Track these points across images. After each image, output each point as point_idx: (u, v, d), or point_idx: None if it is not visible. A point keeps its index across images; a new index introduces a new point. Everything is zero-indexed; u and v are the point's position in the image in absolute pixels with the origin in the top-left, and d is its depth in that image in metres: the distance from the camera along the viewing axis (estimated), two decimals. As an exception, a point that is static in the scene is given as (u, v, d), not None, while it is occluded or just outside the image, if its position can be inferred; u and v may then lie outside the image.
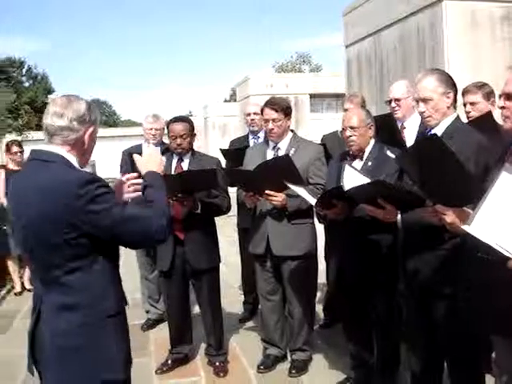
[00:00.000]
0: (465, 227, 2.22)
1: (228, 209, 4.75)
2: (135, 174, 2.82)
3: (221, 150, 6.00)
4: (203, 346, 5.13)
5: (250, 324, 6.02)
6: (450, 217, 2.60)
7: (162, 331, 5.61)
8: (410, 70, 5.67)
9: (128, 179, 2.82)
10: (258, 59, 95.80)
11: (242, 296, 6.42)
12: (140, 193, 2.70)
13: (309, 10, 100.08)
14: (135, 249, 2.48)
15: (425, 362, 3.57)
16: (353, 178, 3.49)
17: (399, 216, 3.32)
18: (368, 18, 6.81)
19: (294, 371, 4.66)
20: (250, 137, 6.08)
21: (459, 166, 2.53)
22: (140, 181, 2.76)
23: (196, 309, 5.27)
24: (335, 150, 4.77)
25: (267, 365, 4.78)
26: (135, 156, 2.84)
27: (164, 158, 2.90)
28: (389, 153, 4.00)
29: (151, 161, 2.77)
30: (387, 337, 4.15)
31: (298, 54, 44.92)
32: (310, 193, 3.89)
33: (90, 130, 2.52)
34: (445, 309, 3.29)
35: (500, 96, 2.76)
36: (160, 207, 2.51)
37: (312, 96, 15.79)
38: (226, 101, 44.66)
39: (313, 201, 3.77)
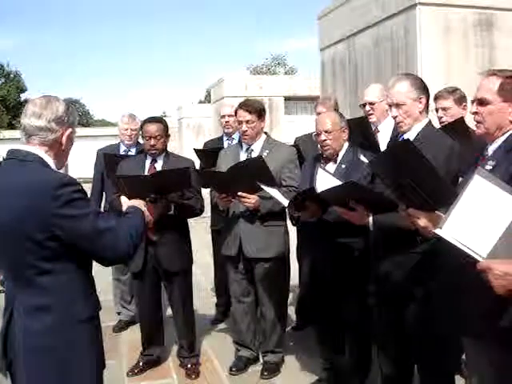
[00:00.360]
0: (437, 230, 2.24)
1: (201, 210, 4.73)
2: None
3: (195, 150, 5.99)
4: (175, 348, 5.11)
5: (222, 326, 6.01)
6: (422, 220, 2.62)
7: (134, 333, 5.58)
8: (384, 74, 5.71)
9: None
10: (233, 61, 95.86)
11: (215, 298, 6.40)
12: None
13: (284, 12, 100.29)
14: (99, 262, 2.47)
15: (396, 363, 3.60)
16: (326, 180, 3.50)
17: (371, 219, 3.34)
18: (343, 22, 6.85)
19: (265, 373, 4.66)
20: (225, 138, 6.08)
21: (431, 170, 2.55)
22: None
23: (168, 311, 5.25)
24: (308, 153, 4.79)
25: (239, 367, 4.78)
26: (122, 199, 2.92)
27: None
28: (362, 157, 4.02)
29: (135, 203, 2.86)
30: (359, 339, 4.18)
31: (273, 57, 45.02)
32: (283, 194, 3.90)
33: (68, 131, 2.51)
34: (415, 311, 3.32)
35: (472, 101, 2.80)
36: (131, 226, 2.54)
37: (287, 98, 15.83)
38: (200, 102, 44.59)
39: (286, 202, 3.78)
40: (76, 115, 2.59)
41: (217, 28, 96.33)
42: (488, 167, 2.62)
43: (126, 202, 2.93)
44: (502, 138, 2.66)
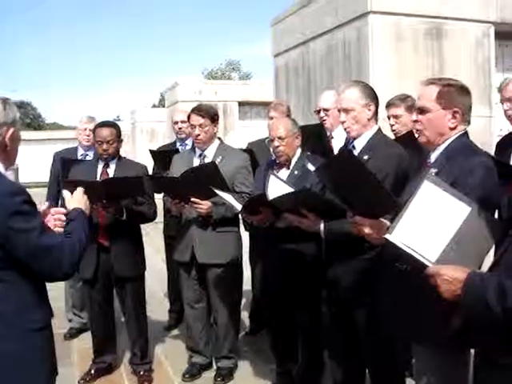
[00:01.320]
0: (386, 235, 2.27)
1: (154, 216, 4.71)
2: (63, 210, 2.76)
3: (150, 151, 5.99)
4: (127, 354, 5.05)
5: (175, 332, 5.98)
6: (367, 228, 2.66)
7: (85, 340, 5.49)
8: (337, 81, 5.77)
9: (56, 212, 2.74)
10: (188, 65, 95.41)
11: (168, 304, 6.35)
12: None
13: (240, 16, 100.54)
14: (40, 277, 2.42)
15: (347, 367, 3.65)
16: (277, 187, 3.51)
17: (322, 225, 3.37)
18: (296, 29, 6.90)
19: (219, 379, 4.64)
20: (178, 144, 6.06)
21: (373, 178, 2.59)
22: (64, 217, 2.69)
23: (120, 317, 5.19)
24: (261, 158, 4.82)
25: (192, 373, 4.75)
26: (65, 193, 2.82)
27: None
28: (309, 165, 4.06)
29: (78, 199, 2.76)
30: (311, 343, 4.21)
31: (228, 61, 45.05)
32: (236, 199, 3.90)
33: (10, 131, 2.41)
34: (364, 316, 3.37)
35: (414, 110, 2.86)
36: (74, 243, 2.46)
37: (241, 104, 15.86)
38: (154, 106, 44.23)
39: (239, 207, 3.79)
40: (15, 111, 2.47)
41: (172, 31, 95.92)
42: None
43: (69, 200, 2.81)
44: (444, 146, 2.71)
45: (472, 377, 2.25)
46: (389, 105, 4.46)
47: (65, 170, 5.31)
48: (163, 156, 5.56)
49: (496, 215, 2.74)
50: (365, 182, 2.58)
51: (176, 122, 6.06)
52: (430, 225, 2.24)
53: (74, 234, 2.52)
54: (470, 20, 5.90)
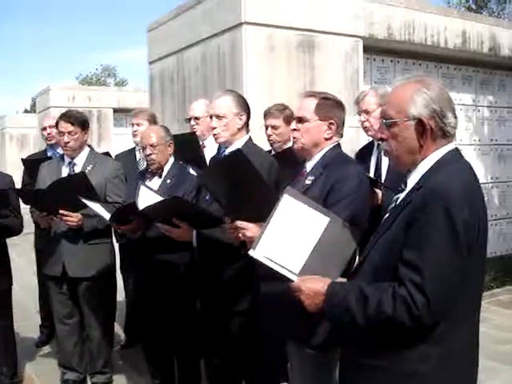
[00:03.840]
0: (250, 252, 2.30)
1: (20, 229, 4.48)
2: None
3: (22, 160, 5.78)
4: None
5: (47, 349, 5.74)
6: (250, 231, 2.69)
7: None
8: (212, 90, 5.77)
9: None
10: (62, 70, 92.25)
11: (40, 319, 6.07)
12: None
13: (117, 21, 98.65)
14: None
15: (223, 376, 3.65)
16: (147, 196, 3.47)
17: (195, 234, 3.36)
18: (172, 37, 6.84)
19: (93, 395, 4.49)
20: (49, 152, 5.85)
21: (261, 180, 2.62)
22: None
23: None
24: (131, 167, 4.75)
25: (66, 390, 4.56)
26: None
27: None
28: (191, 170, 4.04)
29: None
30: (187, 355, 4.17)
31: (104, 67, 44.02)
32: (106, 209, 3.79)
33: None
34: (239, 324, 3.39)
35: (293, 119, 2.96)
36: None
37: (116, 110, 15.55)
38: (26, 111, 42.37)
39: (108, 217, 3.69)
40: None
41: (46, 34, 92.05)
42: (308, 182, 2.78)
43: None
44: (319, 155, 2.85)
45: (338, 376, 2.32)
46: (266, 114, 4.50)
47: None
48: (36, 164, 5.32)
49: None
50: (253, 183, 2.62)
51: (44, 128, 5.86)
52: (291, 237, 2.30)
53: None
54: (340, 34, 6.12)
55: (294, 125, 2.91)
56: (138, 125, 5.16)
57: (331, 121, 2.83)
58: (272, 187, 3.09)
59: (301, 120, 2.85)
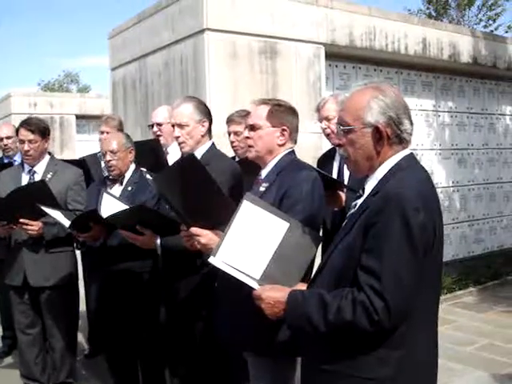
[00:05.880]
0: (210, 259, 2.29)
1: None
2: None
3: None
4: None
5: (8, 360, 5.64)
6: (204, 237, 2.67)
7: None
8: (175, 96, 5.75)
9: None
10: (23, 76, 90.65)
11: (0, 330, 5.96)
12: None
13: (80, 27, 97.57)
14: None
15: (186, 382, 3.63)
16: (110, 204, 3.44)
17: (158, 241, 3.34)
18: (134, 43, 6.82)
19: (57, 406, 4.43)
20: (5, 160, 5.72)
21: (214, 185, 2.61)
22: None
23: None
24: (95, 173, 4.70)
25: (28, 402, 4.48)
26: None
27: None
28: (148, 176, 4.02)
29: None
30: (151, 363, 4.14)
31: (66, 73, 43.45)
32: (66, 216, 3.75)
33: None
34: (201, 330, 3.38)
35: (245, 128, 2.96)
36: None
37: (79, 117, 15.40)
38: (-14, 118, 41.64)
39: (67, 224, 3.65)
40: None
41: (7, 38, 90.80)
42: (262, 189, 2.79)
43: None
44: (273, 162, 2.85)
45: (299, 381, 2.32)
46: (229, 121, 4.47)
47: None
48: None
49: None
50: (206, 189, 2.60)
51: (1, 139, 5.74)
52: (252, 243, 2.30)
53: None
54: (302, 41, 6.18)
55: (246, 133, 2.91)
56: (107, 132, 5.10)
57: (284, 127, 2.83)
58: (234, 193, 3.11)
59: (253, 127, 2.85)
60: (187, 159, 2.85)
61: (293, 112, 2.92)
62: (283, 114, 2.86)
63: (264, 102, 2.92)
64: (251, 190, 2.84)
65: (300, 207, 2.62)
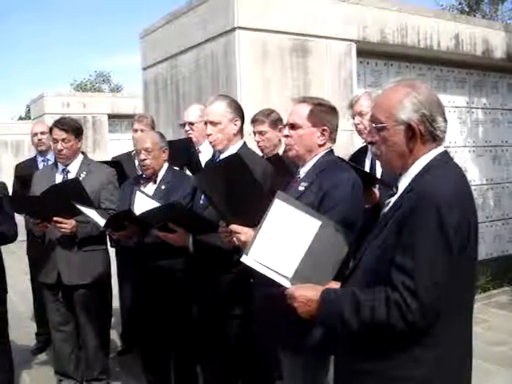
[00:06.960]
0: (242, 258, 2.30)
1: (14, 237, 4.41)
2: None
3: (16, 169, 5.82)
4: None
5: (43, 356, 5.71)
6: (244, 235, 2.69)
7: None
8: (205, 95, 5.77)
9: None
10: (56, 76, 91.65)
11: (35, 327, 6.05)
12: None
13: (111, 27, 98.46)
14: None
15: (220, 380, 3.64)
16: (143, 202, 3.47)
17: (191, 240, 3.36)
18: (165, 42, 6.85)
19: (90, 402, 4.47)
20: (39, 159, 5.83)
21: (257, 185, 2.62)
22: None
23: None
24: (128, 171, 4.74)
25: (61, 398, 4.54)
26: None
27: None
28: (187, 171, 4.03)
29: None
30: (184, 361, 4.16)
31: (98, 73, 43.90)
32: (101, 215, 3.78)
33: None
34: (236, 329, 3.39)
35: (284, 125, 2.95)
36: None
37: (111, 116, 15.54)
38: (21, 118, 42.27)
39: (103, 223, 3.69)
40: None
41: (40, 39, 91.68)
42: (301, 188, 2.78)
43: None
44: (312, 162, 2.85)
45: (333, 381, 2.32)
46: (253, 121, 4.49)
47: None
48: (28, 172, 5.31)
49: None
50: (249, 188, 2.63)
51: (35, 134, 5.84)
52: (283, 242, 2.30)
53: None
54: (333, 38, 6.13)
55: (286, 131, 2.90)
56: (141, 130, 5.14)
57: (324, 127, 2.84)
58: (267, 190, 3.11)
59: (293, 126, 2.85)
60: (233, 158, 2.85)
61: (333, 111, 2.92)
62: (324, 113, 2.86)
63: (305, 100, 2.92)
64: (288, 188, 2.84)
65: (340, 209, 2.62)
